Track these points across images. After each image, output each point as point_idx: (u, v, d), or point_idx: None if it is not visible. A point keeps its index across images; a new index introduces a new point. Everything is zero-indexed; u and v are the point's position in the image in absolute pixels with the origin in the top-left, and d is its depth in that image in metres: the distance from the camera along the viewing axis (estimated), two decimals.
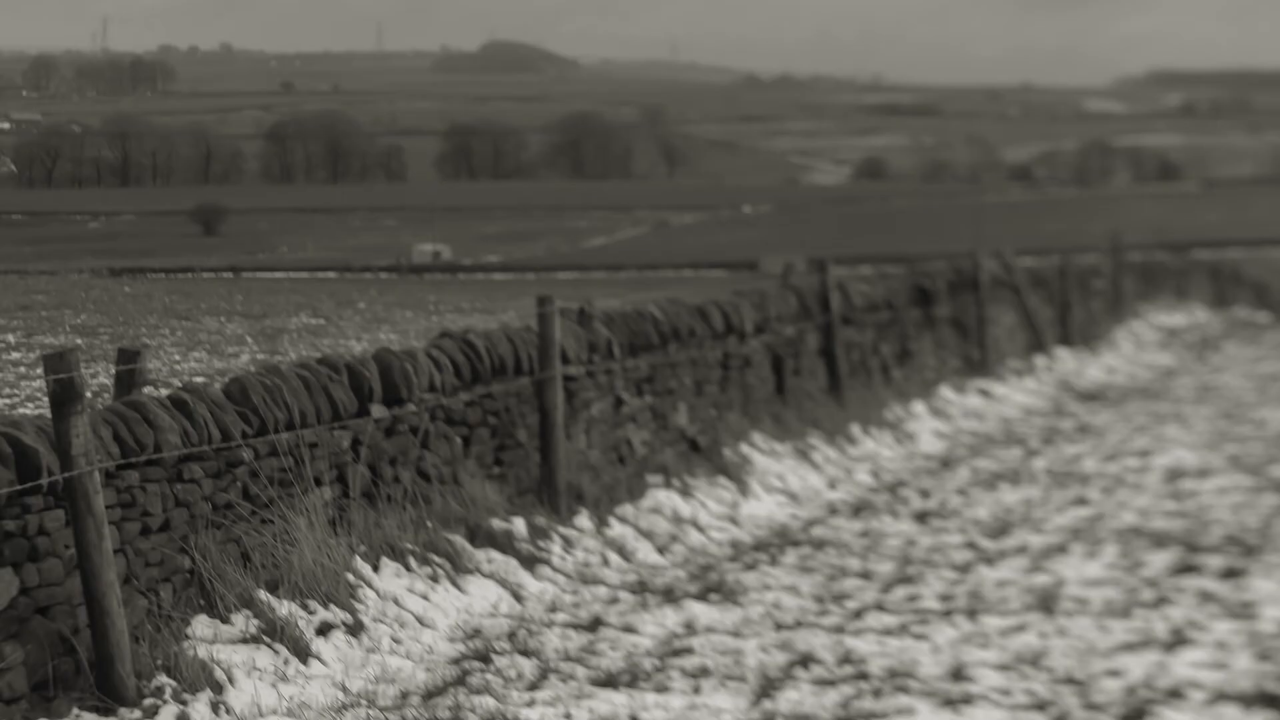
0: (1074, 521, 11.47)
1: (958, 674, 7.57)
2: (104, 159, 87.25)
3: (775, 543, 10.95)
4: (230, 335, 18.51)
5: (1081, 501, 12.31)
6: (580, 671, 7.66)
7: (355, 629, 8.01)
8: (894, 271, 22.04)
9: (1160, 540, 10.65)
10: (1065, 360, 22.50)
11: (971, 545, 10.72)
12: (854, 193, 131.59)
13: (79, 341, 16.57)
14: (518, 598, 9.08)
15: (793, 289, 15.64)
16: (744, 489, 12.28)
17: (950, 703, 7.13)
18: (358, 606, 8.22)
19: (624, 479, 11.48)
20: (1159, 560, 10.01)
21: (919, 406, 16.76)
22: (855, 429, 14.92)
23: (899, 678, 7.51)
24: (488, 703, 7.13)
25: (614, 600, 9.17)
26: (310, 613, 7.96)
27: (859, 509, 12.27)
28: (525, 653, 7.97)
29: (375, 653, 7.87)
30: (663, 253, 76.79)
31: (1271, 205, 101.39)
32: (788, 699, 7.22)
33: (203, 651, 7.30)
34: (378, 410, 9.37)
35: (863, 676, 7.54)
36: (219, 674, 7.15)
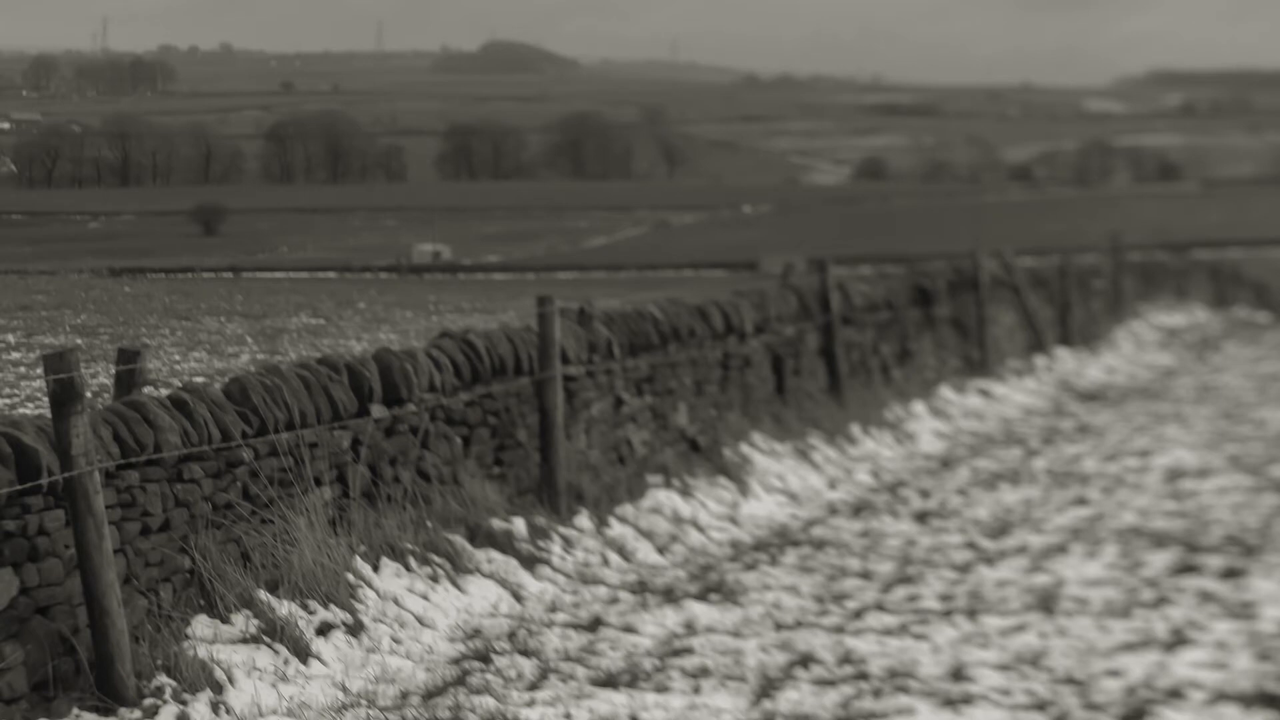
0: (1074, 521, 11.47)
1: (958, 674, 7.57)
2: (104, 159, 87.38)
3: (775, 543, 10.95)
4: (230, 335, 18.51)
5: (1081, 501, 12.31)
6: (580, 671, 7.66)
7: (355, 629, 8.01)
8: (894, 271, 22.05)
9: (1160, 540, 10.65)
10: (1065, 360, 22.50)
11: (971, 545, 10.72)
12: (854, 193, 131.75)
13: (79, 341, 16.57)
14: (518, 598, 9.08)
15: (793, 289, 15.64)
16: (744, 489, 12.28)
17: (950, 703, 7.13)
18: (358, 606, 8.22)
19: (624, 479, 11.48)
20: (1159, 560, 10.01)
21: (919, 406, 16.76)
22: (855, 429, 14.92)
23: (899, 678, 7.51)
24: (488, 703, 7.13)
25: (614, 600, 9.17)
26: (310, 613, 7.96)
27: (859, 509, 12.27)
28: (525, 653, 7.97)
29: (375, 653, 7.87)
30: (663, 253, 76.87)
31: (1271, 205, 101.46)
32: (788, 699, 7.22)
33: (203, 651, 7.30)
34: (378, 410, 9.37)
35: (863, 676, 7.54)
36: (219, 674, 7.15)
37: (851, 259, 48.07)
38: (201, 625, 7.61)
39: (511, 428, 10.67)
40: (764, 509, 12.05)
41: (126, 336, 17.63)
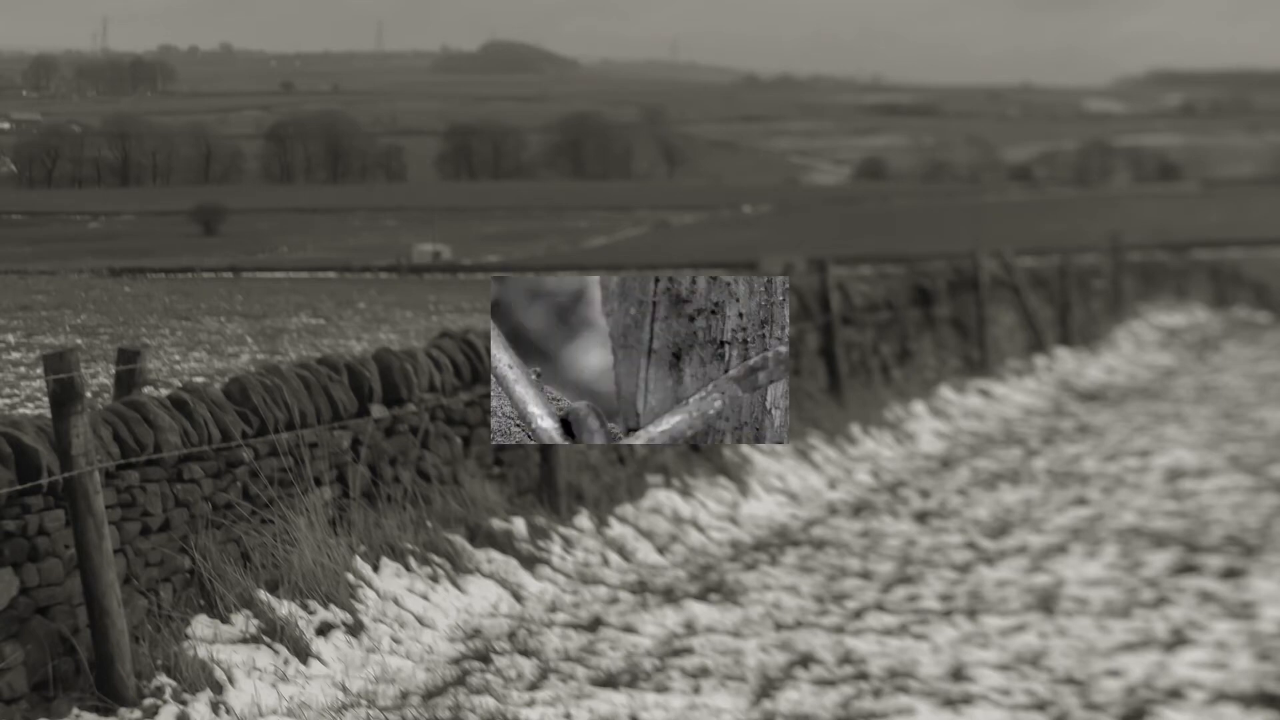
0: (1074, 521, 11.47)
1: (958, 674, 7.57)
2: (104, 159, 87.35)
3: (775, 543, 10.95)
4: (230, 335, 18.51)
5: (1081, 501, 12.31)
6: (580, 671, 7.66)
7: (355, 629, 8.01)
8: (894, 271, 22.06)
9: (1160, 540, 10.65)
10: (1065, 360, 22.50)
11: (971, 545, 10.72)
12: (854, 193, 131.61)
13: (79, 341, 16.58)
14: (518, 598, 9.08)
15: (793, 289, 15.64)
16: (744, 489, 12.28)
17: (950, 703, 7.13)
18: (358, 606, 8.22)
19: (624, 479, 11.48)
20: (1159, 560, 10.01)
21: (919, 406, 16.76)
22: (855, 429, 14.92)
23: (899, 678, 7.51)
24: (488, 703, 7.13)
25: (614, 600, 9.17)
26: (310, 613, 7.96)
27: (859, 509, 12.27)
28: (525, 653, 7.97)
29: (375, 653, 7.87)
30: (663, 253, 76.79)
31: (1271, 205, 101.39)
32: (788, 699, 7.22)
33: (203, 651, 7.30)
34: (378, 410, 9.37)
35: (863, 676, 7.54)
36: (219, 674, 7.15)
37: (851, 259, 48.02)
38: (201, 625, 7.61)
39: None
40: (764, 509, 12.05)
41: (126, 336, 17.63)
